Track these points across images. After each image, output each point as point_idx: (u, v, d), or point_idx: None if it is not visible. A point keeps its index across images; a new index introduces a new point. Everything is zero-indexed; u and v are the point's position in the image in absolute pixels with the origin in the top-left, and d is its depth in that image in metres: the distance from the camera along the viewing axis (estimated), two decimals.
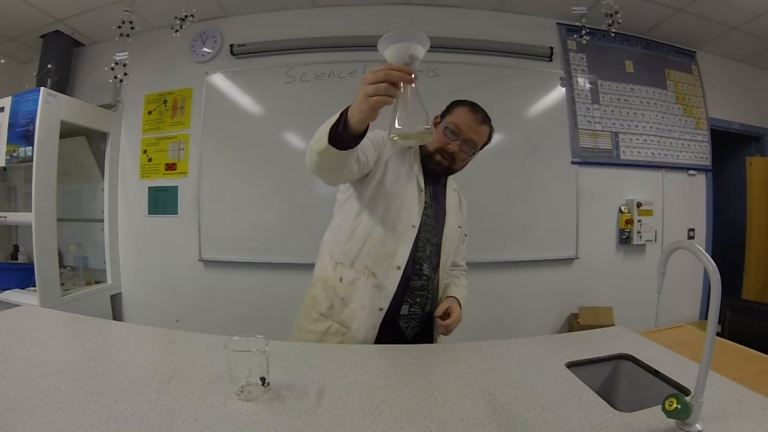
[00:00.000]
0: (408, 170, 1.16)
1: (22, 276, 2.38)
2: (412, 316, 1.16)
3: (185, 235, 2.62)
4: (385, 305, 1.09)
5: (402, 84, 0.73)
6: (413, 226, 1.11)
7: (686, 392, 0.75)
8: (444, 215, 1.21)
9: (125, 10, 2.20)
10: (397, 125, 0.73)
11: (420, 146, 1.20)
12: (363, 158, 1.03)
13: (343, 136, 0.83)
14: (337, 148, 0.84)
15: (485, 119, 1.16)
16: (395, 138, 0.74)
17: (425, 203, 1.15)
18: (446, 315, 1.13)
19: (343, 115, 0.82)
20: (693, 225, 2.87)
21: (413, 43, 0.72)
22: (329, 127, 0.84)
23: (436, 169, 1.16)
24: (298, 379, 0.81)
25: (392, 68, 0.72)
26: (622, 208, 2.71)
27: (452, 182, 1.30)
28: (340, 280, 1.12)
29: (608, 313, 2.60)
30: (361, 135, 0.85)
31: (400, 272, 1.10)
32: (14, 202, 2.58)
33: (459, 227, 1.27)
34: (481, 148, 1.19)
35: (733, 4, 2.41)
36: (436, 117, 1.19)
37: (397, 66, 0.72)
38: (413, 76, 0.73)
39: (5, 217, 2.35)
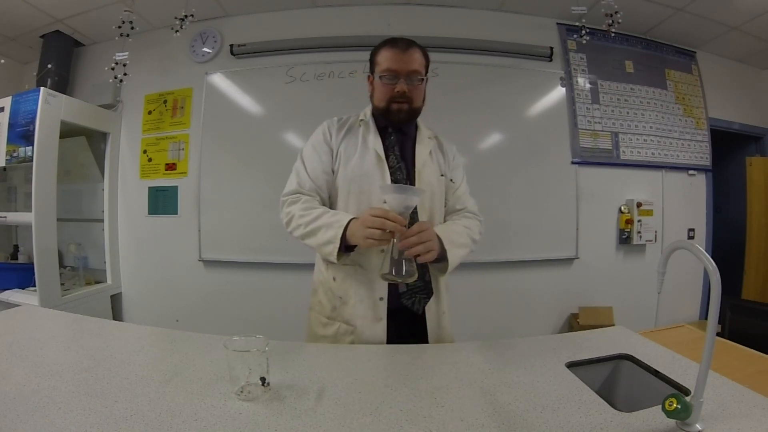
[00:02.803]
0: (362, 147, 1.12)
1: (22, 276, 2.38)
2: (414, 290, 1.09)
3: (185, 235, 2.62)
4: (385, 294, 1.07)
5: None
6: (385, 201, 1.01)
7: (686, 392, 0.75)
8: (414, 170, 1.13)
9: (125, 10, 2.20)
10: (385, 270, 0.93)
11: (373, 111, 1.17)
12: (325, 195, 1.14)
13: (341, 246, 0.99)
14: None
15: (409, 44, 1.09)
16: (383, 278, 0.94)
17: (392, 168, 1.10)
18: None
19: (345, 230, 0.98)
20: (693, 225, 2.87)
21: (409, 196, 0.91)
22: (334, 246, 0.98)
23: (401, 118, 1.11)
24: (298, 379, 0.81)
25: (389, 218, 0.90)
26: (622, 208, 2.71)
27: (425, 130, 1.22)
28: (334, 279, 1.12)
29: (608, 313, 2.60)
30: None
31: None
32: (14, 202, 2.58)
33: (442, 175, 1.19)
34: (427, 72, 1.12)
35: (733, 4, 2.41)
36: (369, 76, 1.16)
37: (393, 216, 0.90)
38: (405, 225, 0.91)
39: (5, 217, 2.35)
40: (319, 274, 1.19)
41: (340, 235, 0.97)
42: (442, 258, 1.03)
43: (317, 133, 1.18)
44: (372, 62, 1.14)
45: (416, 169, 1.13)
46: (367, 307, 1.07)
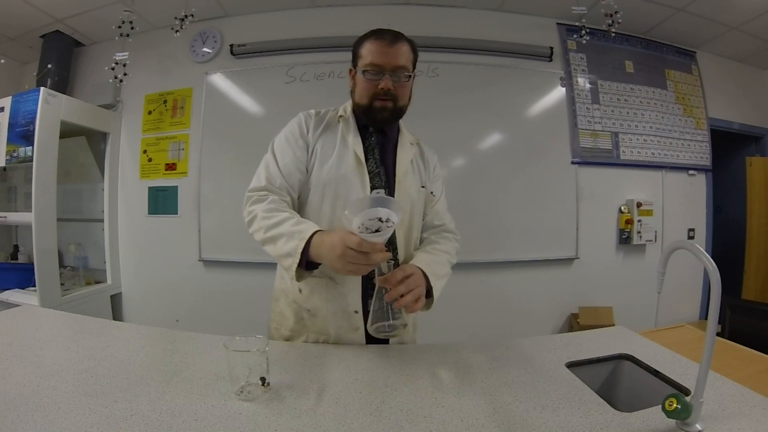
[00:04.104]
0: (342, 146, 1.03)
1: (22, 276, 2.38)
2: None
3: (185, 235, 2.62)
4: (359, 307, 1.00)
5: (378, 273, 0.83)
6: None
7: (686, 392, 0.75)
8: (394, 178, 1.05)
9: (125, 10, 2.20)
10: (376, 322, 0.85)
11: (353, 107, 1.09)
12: (296, 196, 1.03)
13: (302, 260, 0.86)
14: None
15: (396, 36, 1.00)
16: (374, 333, 0.86)
17: (371, 173, 1.01)
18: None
19: (307, 245, 0.85)
20: (693, 225, 2.87)
21: (394, 211, 0.77)
22: (294, 261, 0.85)
23: (384, 117, 1.01)
24: (298, 379, 0.81)
25: (369, 250, 0.77)
26: (622, 208, 2.71)
27: (407, 134, 1.13)
28: (300, 291, 1.04)
29: (608, 313, 2.60)
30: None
31: None
32: (14, 202, 2.58)
33: (423, 187, 1.11)
34: (414, 68, 1.03)
35: (733, 4, 2.41)
36: (351, 70, 1.07)
37: (381, 256, 0.78)
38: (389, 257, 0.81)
39: (5, 217, 2.36)
40: (281, 283, 1.10)
41: (301, 249, 0.85)
42: (428, 293, 0.94)
43: (292, 124, 1.07)
44: (355, 55, 1.04)
45: (396, 179, 1.04)
46: (341, 318, 1.01)
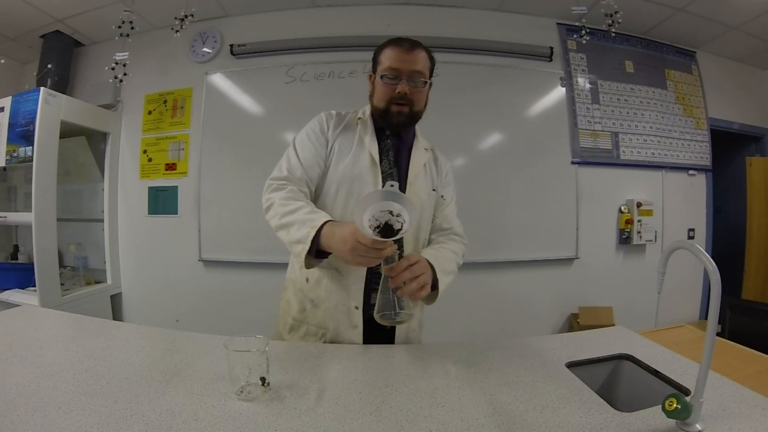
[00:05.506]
0: (358, 146, 1.08)
1: (22, 276, 2.38)
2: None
3: (185, 235, 2.62)
4: (360, 303, 1.02)
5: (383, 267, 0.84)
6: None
7: (686, 392, 0.75)
8: (406, 180, 1.09)
9: (125, 10, 2.20)
10: (383, 310, 0.86)
11: (372, 111, 1.13)
12: (314, 188, 1.07)
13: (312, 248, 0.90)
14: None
15: (414, 44, 1.05)
16: (380, 321, 0.87)
17: (384, 173, 1.06)
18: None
19: (318, 233, 0.89)
20: (693, 225, 2.87)
21: (408, 209, 0.78)
22: (303, 248, 0.89)
23: (400, 120, 1.06)
24: (298, 379, 0.81)
25: (378, 247, 0.80)
26: (622, 208, 2.71)
27: (422, 140, 1.18)
28: (307, 280, 1.08)
29: (608, 313, 2.61)
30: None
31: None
32: (14, 202, 2.58)
33: (434, 190, 1.15)
34: (431, 76, 1.08)
35: (733, 4, 2.41)
36: (371, 75, 1.11)
37: (390, 249, 0.81)
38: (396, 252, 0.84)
39: (5, 217, 2.36)
40: (291, 272, 1.15)
41: (311, 237, 0.88)
42: (432, 286, 0.95)
43: (313, 122, 1.13)
44: (375, 61, 1.10)
45: (408, 180, 1.09)
46: (341, 312, 1.04)
